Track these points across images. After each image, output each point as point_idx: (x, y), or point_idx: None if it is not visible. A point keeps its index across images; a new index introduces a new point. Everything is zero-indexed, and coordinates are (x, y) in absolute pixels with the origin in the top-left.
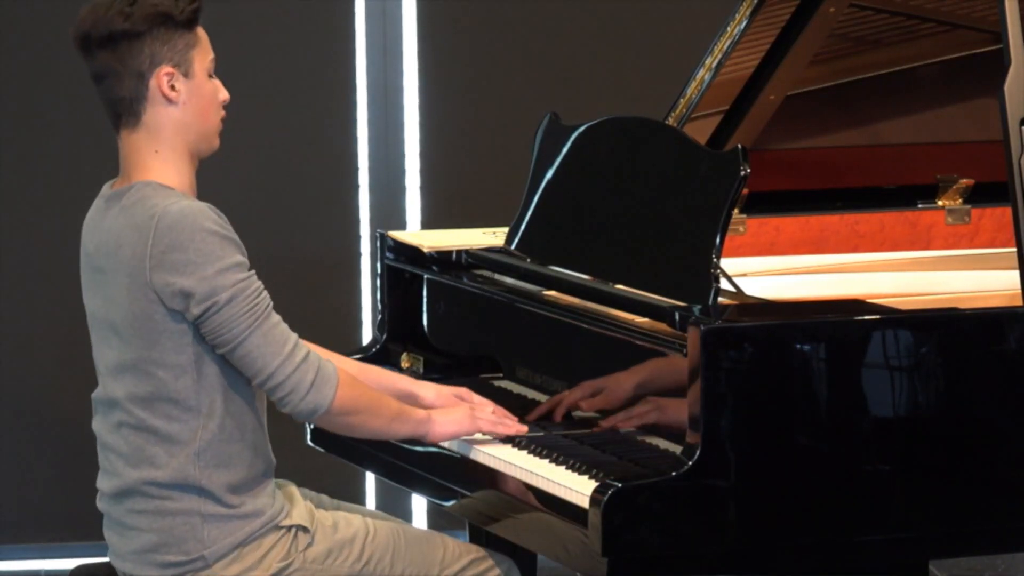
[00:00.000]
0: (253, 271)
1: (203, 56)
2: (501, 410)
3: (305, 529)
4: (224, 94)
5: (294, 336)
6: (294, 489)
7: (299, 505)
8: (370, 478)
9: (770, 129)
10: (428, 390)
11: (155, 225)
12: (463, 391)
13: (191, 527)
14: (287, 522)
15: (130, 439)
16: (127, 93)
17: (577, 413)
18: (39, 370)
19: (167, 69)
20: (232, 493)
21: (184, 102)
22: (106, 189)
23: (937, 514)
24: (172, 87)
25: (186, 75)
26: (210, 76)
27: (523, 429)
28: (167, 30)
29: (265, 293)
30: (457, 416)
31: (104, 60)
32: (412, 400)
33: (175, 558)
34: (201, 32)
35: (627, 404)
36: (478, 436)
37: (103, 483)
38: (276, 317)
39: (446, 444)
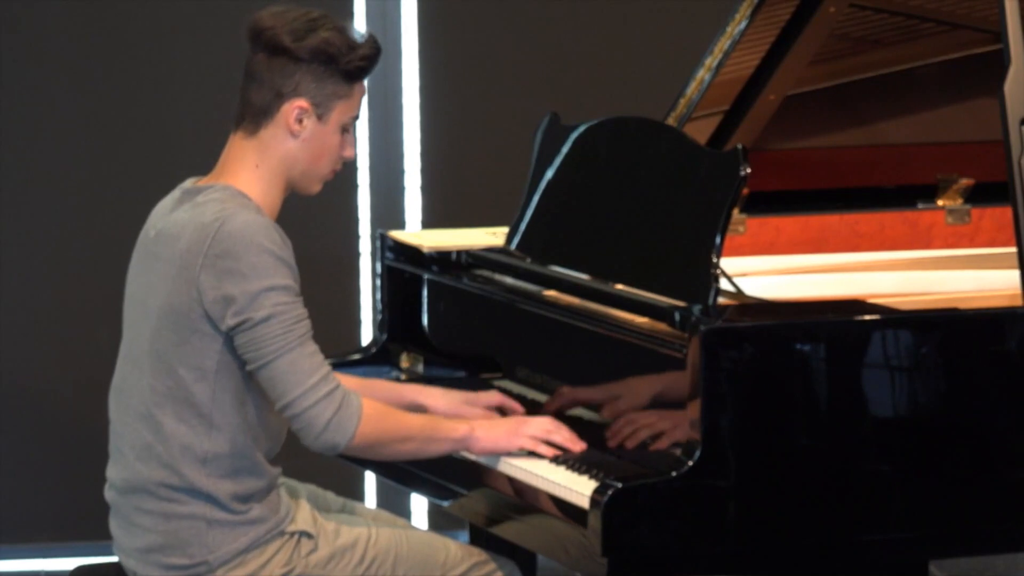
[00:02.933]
0: (300, 298)
1: (346, 110)
2: (548, 421)
3: (309, 535)
4: (350, 152)
5: (325, 370)
6: (300, 490)
7: (303, 509)
8: (370, 478)
9: (770, 129)
10: (436, 398)
11: (218, 228)
12: (471, 396)
13: (196, 531)
14: (292, 528)
15: (140, 431)
16: (259, 103)
17: (572, 412)
18: (39, 370)
19: (302, 103)
20: (239, 502)
21: (304, 140)
22: (188, 183)
23: (937, 514)
24: (299, 121)
25: (319, 118)
26: (344, 131)
27: (575, 447)
28: (325, 70)
29: (306, 322)
30: (499, 432)
31: (259, 63)
32: (420, 411)
33: (178, 561)
34: (359, 88)
35: (630, 411)
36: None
37: (112, 472)
38: (312, 347)
39: None
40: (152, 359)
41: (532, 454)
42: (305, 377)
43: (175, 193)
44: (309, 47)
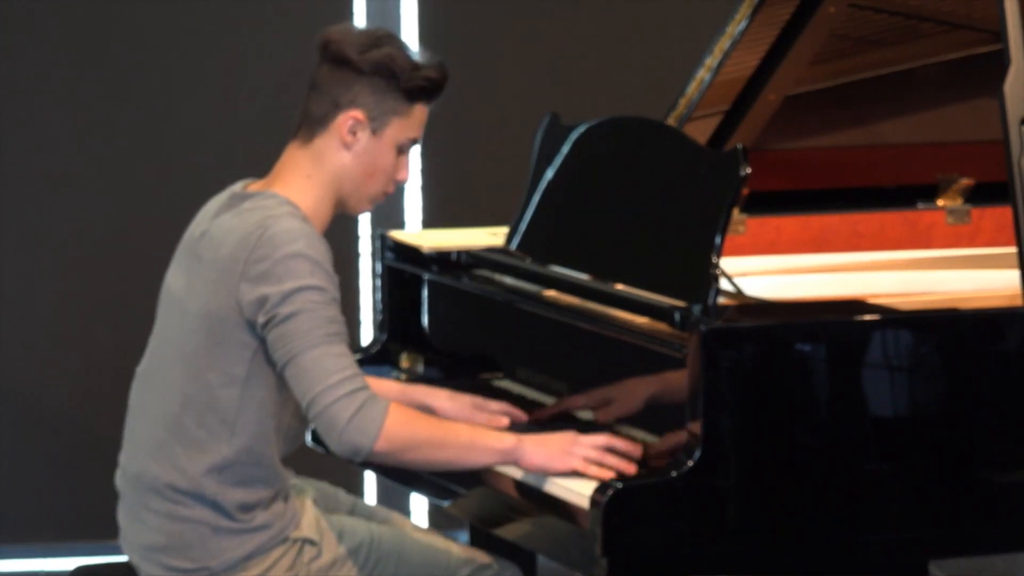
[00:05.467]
0: (336, 303)
1: (403, 129)
2: (603, 440)
3: (312, 542)
4: (404, 175)
5: (352, 372)
6: (308, 491)
7: (308, 514)
8: (370, 477)
9: (770, 129)
10: (443, 400)
11: (260, 235)
12: (478, 400)
13: (200, 536)
14: (296, 534)
15: (157, 428)
16: (317, 112)
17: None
18: (39, 370)
19: (358, 114)
20: (243, 511)
21: (357, 153)
22: (239, 186)
23: (937, 514)
24: (353, 132)
25: (374, 132)
26: (400, 151)
27: (628, 470)
28: (385, 84)
29: (338, 325)
30: (554, 450)
31: (322, 73)
32: (425, 411)
33: (180, 563)
34: (419, 110)
35: (633, 412)
36: None
37: (125, 459)
38: (341, 348)
39: None
40: (182, 360)
41: None
42: (328, 374)
43: (223, 196)
44: (372, 60)
